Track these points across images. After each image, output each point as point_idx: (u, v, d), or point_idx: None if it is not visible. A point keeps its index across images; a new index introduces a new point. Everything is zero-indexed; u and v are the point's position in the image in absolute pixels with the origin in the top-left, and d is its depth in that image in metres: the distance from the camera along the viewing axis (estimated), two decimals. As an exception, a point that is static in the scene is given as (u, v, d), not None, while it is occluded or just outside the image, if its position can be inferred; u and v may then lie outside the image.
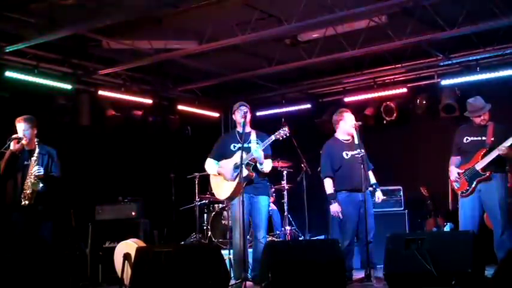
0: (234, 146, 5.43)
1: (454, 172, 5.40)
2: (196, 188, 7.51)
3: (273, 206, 7.71)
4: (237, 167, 5.23)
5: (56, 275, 4.82)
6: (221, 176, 5.45)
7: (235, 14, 6.35)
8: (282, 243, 6.56)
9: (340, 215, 5.51)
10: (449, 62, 7.79)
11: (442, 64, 7.91)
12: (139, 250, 4.85)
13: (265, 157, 5.34)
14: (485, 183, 5.22)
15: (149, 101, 8.43)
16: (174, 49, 7.16)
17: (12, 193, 5.35)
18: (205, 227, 7.49)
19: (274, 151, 5.59)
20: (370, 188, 5.67)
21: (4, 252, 5.18)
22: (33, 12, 6.01)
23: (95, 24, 6.14)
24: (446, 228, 7.25)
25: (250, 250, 5.66)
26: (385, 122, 8.52)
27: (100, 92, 7.85)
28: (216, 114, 9.48)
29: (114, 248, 6.04)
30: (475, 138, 5.33)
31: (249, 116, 5.40)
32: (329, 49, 7.25)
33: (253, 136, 5.42)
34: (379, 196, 5.68)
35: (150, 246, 5.85)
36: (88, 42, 7.03)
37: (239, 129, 5.48)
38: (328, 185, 5.58)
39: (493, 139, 5.21)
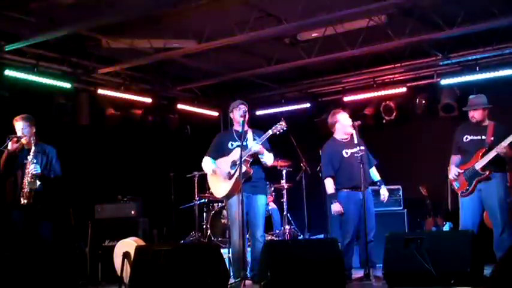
0: (232, 144, 5.40)
1: (453, 171, 5.39)
2: (196, 187, 7.51)
3: (273, 205, 7.71)
4: (235, 164, 5.23)
5: (56, 274, 4.82)
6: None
7: (235, 13, 6.35)
8: (281, 242, 6.56)
9: (341, 213, 5.51)
10: (449, 62, 7.80)
11: (441, 64, 7.92)
12: (138, 249, 4.86)
13: (267, 151, 5.32)
14: (485, 183, 5.21)
15: (149, 100, 8.43)
16: (174, 48, 7.16)
17: (12, 192, 5.35)
18: (204, 226, 7.50)
19: (274, 150, 5.57)
20: (375, 186, 5.67)
21: (4, 251, 5.18)
22: (32, 11, 6.01)
23: (94, 24, 6.13)
24: (446, 228, 7.26)
25: (248, 249, 5.66)
26: (384, 121, 8.53)
27: (99, 91, 7.85)
28: (216, 114, 9.48)
29: (113, 247, 6.05)
30: (475, 138, 5.32)
31: (247, 115, 5.40)
32: (328, 48, 7.25)
33: (249, 135, 5.40)
34: (384, 194, 5.65)
35: (149, 245, 5.85)
36: (87, 41, 7.03)
37: (236, 127, 5.43)
38: (329, 185, 5.57)
39: (492, 138, 5.21)
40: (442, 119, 8.02)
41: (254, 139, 5.33)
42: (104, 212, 7.04)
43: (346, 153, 5.58)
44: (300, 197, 7.48)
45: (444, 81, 7.94)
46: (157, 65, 8.05)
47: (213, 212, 7.45)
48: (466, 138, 5.36)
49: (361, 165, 5.32)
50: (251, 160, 5.29)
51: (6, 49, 6.61)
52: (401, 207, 7.60)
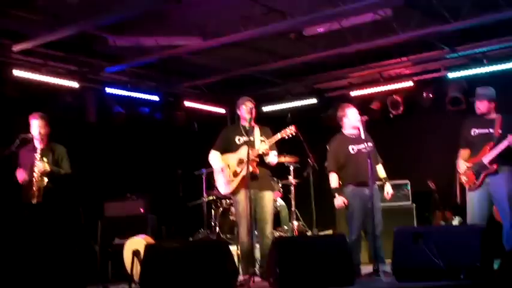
0: (239, 139, 5.40)
1: (462, 165, 5.36)
2: (204, 184, 7.53)
3: (281, 202, 7.72)
4: (241, 163, 5.23)
5: (66, 272, 4.86)
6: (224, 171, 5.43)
7: (239, 9, 6.33)
8: (289, 238, 6.57)
9: (344, 206, 5.49)
10: (456, 55, 7.74)
11: (448, 57, 7.87)
12: (148, 247, 4.89)
13: (270, 148, 5.32)
14: (493, 176, 5.18)
15: (155, 98, 8.45)
16: (179, 45, 7.16)
17: (26, 190, 5.43)
18: (213, 223, 7.51)
19: (281, 145, 5.57)
20: (379, 182, 5.66)
21: (15, 249, 5.23)
22: (39, 9, 6.02)
23: (99, 22, 6.14)
24: (454, 222, 7.23)
25: (257, 246, 5.67)
26: (391, 115, 8.49)
27: (106, 89, 7.88)
28: (222, 110, 9.48)
29: (123, 245, 6.08)
30: (483, 131, 5.29)
31: (254, 111, 5.40)
32: (334, 43, 7.22)
33: (256, 131, 5.40)
34: (387, 191, 5.64)
35: (158, 243, 5.87)
36: (94, 40, 7.05)
37: (243, 123, 5.44)
38: (333, 179, 5.57)
39: (500, 131, 5.18)
40: (449, 113, 7.97)
41: (261, 136, 5.34)
42: (113, 209, 7.07)
43: (353, 149, 5.56)
44: (307, 193, 7.47)
45: (451, 75, 7.90)
46: (163, 63, 8.06)
47: (221, 209, 7.46)
48: (474, 131, 5.33)
49: (369, 160, 5.31)
50: (257, 161, 5.29)
51: (14, 49, 6.64)
52: (410, 202, 7.60)
